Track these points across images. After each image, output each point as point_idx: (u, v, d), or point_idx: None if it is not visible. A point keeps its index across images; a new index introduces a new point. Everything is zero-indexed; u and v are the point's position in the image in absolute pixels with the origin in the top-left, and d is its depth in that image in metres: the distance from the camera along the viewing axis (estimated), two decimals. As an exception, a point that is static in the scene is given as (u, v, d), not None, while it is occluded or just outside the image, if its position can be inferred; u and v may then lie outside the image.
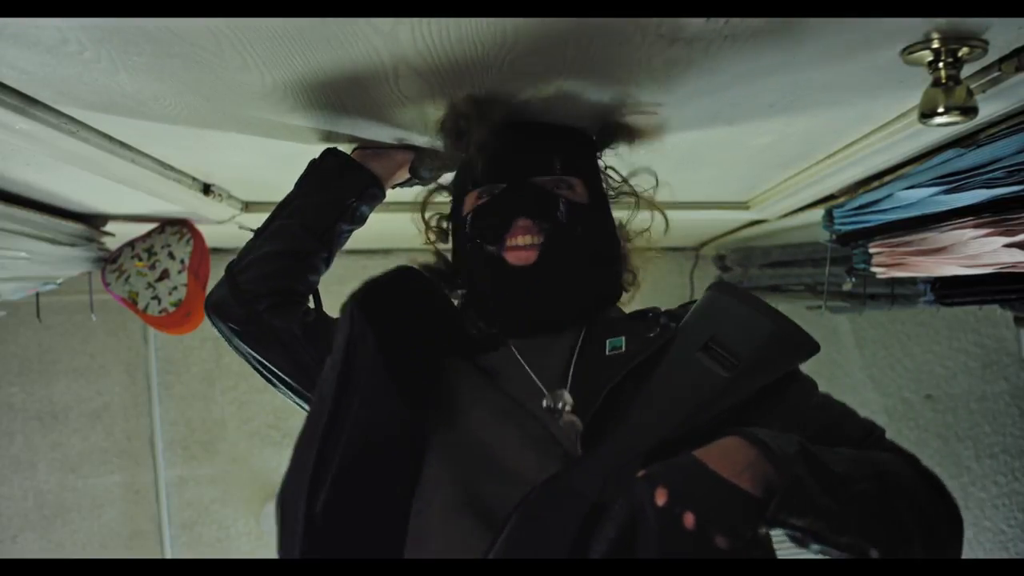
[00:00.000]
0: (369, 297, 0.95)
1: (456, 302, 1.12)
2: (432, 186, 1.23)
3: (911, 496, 0.83)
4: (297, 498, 0.85)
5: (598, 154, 1.14)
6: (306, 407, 1.12)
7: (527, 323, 1.03)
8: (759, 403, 0.88)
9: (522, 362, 1.01)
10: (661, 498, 0.71)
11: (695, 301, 1.01)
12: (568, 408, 0.92)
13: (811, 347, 0.90)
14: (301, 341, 1.09)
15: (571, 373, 0.98)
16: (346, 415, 0.89)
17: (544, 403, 0.93)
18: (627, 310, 1.12)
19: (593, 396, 0.91)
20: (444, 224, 1.18)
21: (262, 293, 1.12)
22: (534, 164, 1.05)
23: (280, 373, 1.11)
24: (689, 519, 0.70)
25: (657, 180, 1.17)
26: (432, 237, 1.19)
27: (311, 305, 1.17)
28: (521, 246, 1.01)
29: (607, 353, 0.98)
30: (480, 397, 0.98)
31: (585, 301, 1.05)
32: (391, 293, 0.99)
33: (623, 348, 0.98)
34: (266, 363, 1.11)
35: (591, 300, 1.06)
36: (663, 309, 1.05)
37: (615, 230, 1.12)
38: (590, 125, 1.13)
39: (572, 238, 1.02)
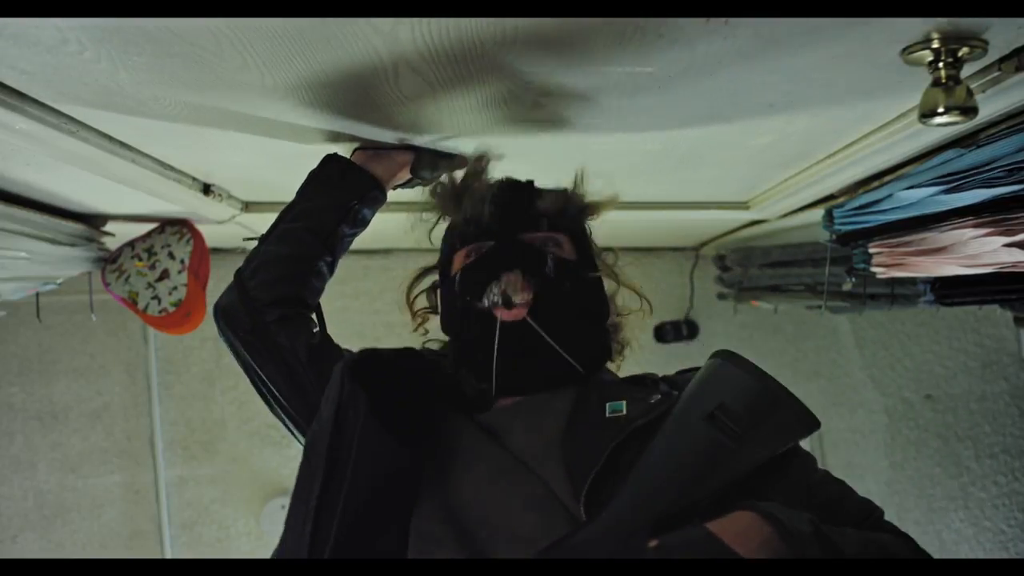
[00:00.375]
0: (362, 363, 0.95)
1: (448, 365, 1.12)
2: (415, 273, 1.22)
3: None
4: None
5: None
6: (291, 428, 1.12)
7: (518, 379, 1.03)
8: (761, 478, 0.87)
9: (521, 421, 1.00)
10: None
11: (693, 369, 1.01)
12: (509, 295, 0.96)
13: (812, 424, 0.90)
14: (304, 364, 1.09)
15: (571, 432, 0.97)
16: (341, 480, 0.89)
17: (491, 297, 0.98)
18: (621, 373, 1.12)
19: (595, 456, 0.90)
20: (431, 298, 1.19)
21: (270, 301, 1.12)
22: (521, 221, 1.07)
23: (275, 390, 1.10)
24: None
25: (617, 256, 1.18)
26: (419, 321, 1.19)
27: (315, 323, 1.17)
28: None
29: (608, 415, 0.97)
30: (480, 454, 0.97)
31: (575, 356, 1.04)
32: (386, 362, 0.99)
33: (624, 411, 0.96)
34: (264, 377, 1.11)
35: (581, 355, 1.06)
36: (660, 375, 1.05)
37: (603, 288, 1.13)
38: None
39: (560, 293, 1.03)
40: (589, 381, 1.05)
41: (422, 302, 1.21)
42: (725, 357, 0.97)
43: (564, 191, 1.14)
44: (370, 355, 0.97)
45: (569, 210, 1.13)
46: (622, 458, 0.89)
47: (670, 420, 0.91)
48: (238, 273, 1.17)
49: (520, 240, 1.05)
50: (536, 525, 0.87)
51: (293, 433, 1.12)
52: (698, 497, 0.83)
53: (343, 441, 0.90)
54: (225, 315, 1.14)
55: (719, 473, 0.85)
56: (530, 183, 1.13)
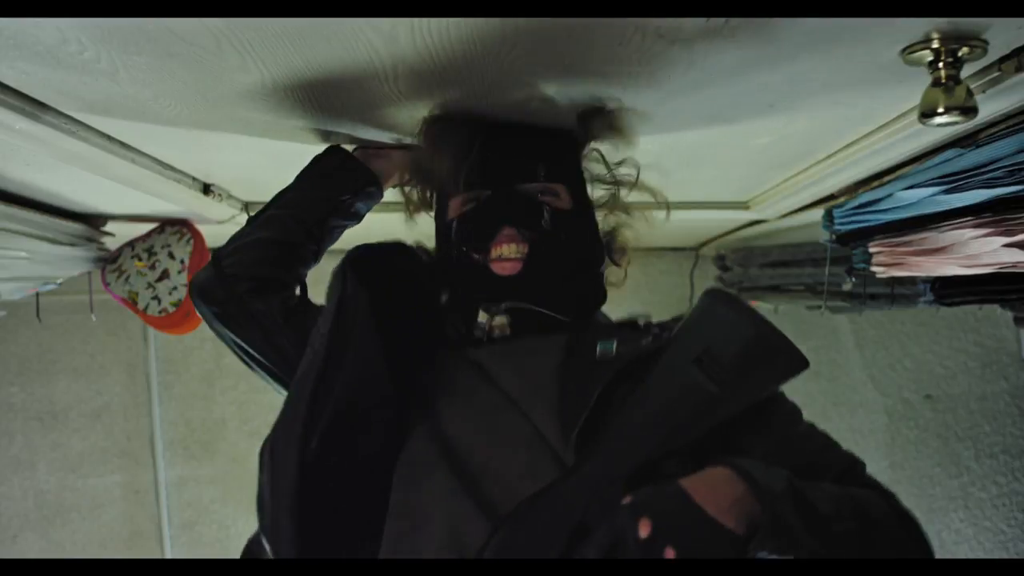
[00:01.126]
0: (362, 260, 0.98)
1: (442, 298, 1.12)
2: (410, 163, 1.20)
3: (890, 537, 0.82)
4: (289, 444, 0.88)
5: (584, 153, 1.14)
6: (283, 392, 1.11)
7: (511, 330, 1.03)
8: (745, 427, 0.87)
9: (513, 361, 1.01)
10: (644, 530, 0.71)
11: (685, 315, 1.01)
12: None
13: (800, 363, 0.89)
14: (281, 325, 1.09)
15: (561, 374, 0.97)
16: (337, 370, 0.91)
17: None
18: (618, 306, 1.12)
19: (584, 398, 0.90)
20: (427, 195, 1.17)
21: (244, 277, 1.12)
22: (519, 171, 1.06)
23: (259, 356, 1.11)
24: (670, 553, 0.69)
25: (639, 172, 1.16)
26: (413, 207, 1.18)
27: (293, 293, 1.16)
28: (506, 257, 1.02)
29: (597, 356, 0.97)
30: (472, 390, 0.98)
31: (569, 306, 1.05)
32: (384, 261, 1.01)
33: (613, 351, 0.97)
34: (244, 345, 1.11)
35: (575, 304, 1.07)
36: (655, 320, 1.05)
37: (598, 233, 1.13)
38: (575, 124, 1.11)
39: (556, 245, 1.03)
40: (582, 325, 1.05)
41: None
42: (714, 296, 0.96)
43: (563, 135, 1.13)
44: (367, 251, 1.00)
45: (567, 155, 1.11)
46: (612, 398, 0.90)
47: (659, 365, 0.91)
48: (216, 252, 1.17)
49: (517, 191, 1.04)
50: (523, 466, 0.89)
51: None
52: (680, 444, 0.83)
53: (343, 332, 0.93)
54: (200, 290, 1.14)
55: (705, 418, 0.85)
56: (527, 128, 1.11)
